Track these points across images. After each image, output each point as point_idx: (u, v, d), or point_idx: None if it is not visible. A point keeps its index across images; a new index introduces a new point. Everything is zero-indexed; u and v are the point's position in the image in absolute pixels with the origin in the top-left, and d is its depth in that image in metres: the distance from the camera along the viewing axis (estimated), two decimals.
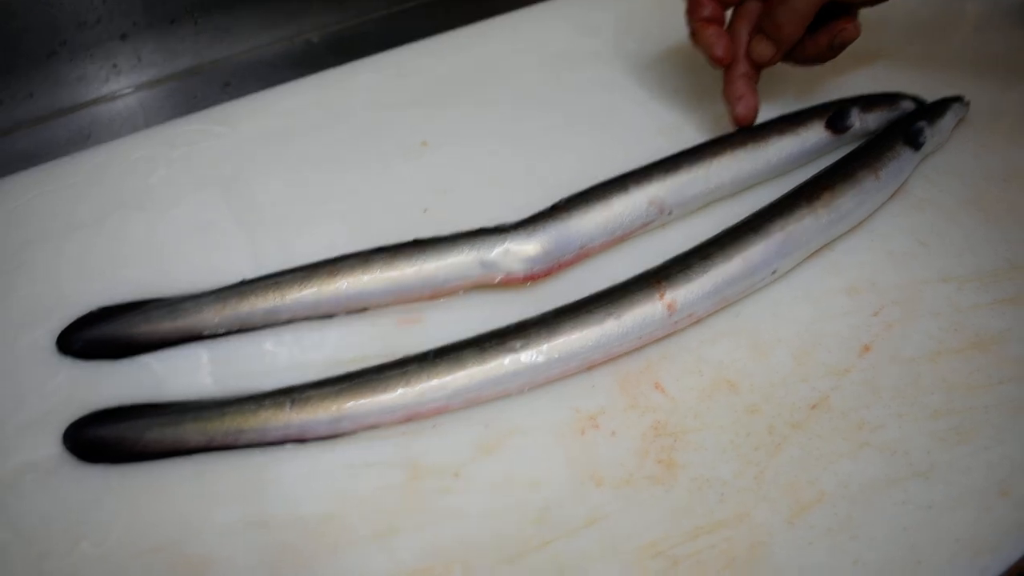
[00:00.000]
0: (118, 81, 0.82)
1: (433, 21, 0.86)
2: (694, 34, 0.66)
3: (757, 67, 0.66)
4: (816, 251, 0.60)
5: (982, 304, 0.58)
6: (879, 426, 0.51)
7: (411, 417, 0.51)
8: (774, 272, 0.57)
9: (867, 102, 0.68)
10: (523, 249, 0.57)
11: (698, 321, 0.56)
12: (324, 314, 0.57)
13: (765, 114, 0.67)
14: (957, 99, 0.70)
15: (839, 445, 0.50)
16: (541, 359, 0.52)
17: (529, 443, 0.51)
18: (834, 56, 0.65)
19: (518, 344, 0.52)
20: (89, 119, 0.79)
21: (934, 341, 0.55)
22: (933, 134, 0.66)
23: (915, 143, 0.64)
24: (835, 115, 0.67)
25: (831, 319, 0.56)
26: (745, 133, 0.65)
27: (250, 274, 0.58)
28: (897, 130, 0.65)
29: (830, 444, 0.50)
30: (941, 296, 0.58)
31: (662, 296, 0.54)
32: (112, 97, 0.81)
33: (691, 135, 0.67)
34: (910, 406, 0.52)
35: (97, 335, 0.56)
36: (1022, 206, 0.64)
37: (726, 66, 0.65)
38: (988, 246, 0.61)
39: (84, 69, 0.78)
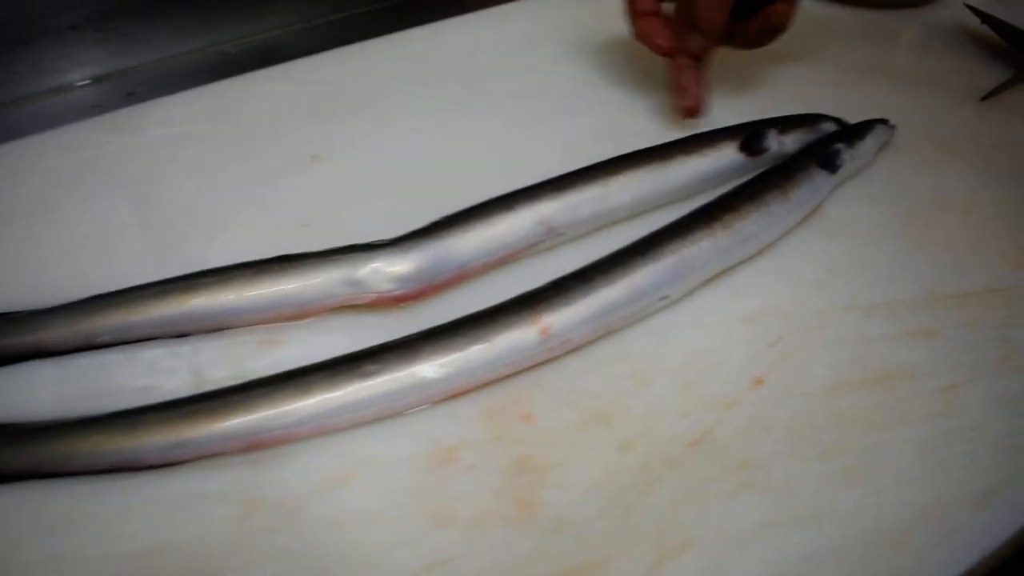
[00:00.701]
0: (20, 87, 0.78)
1: (355, 32, 0.83)
2: (634, 27, 0.66)
3: (695, 58, 0.65)
4: (714, 276, 0.56)
5: (890, 335, 0.54)
6: (763, 465, 0.47)
7: (254, 446, 0.47)
8: (664, 298, 0.53)
9: (786, 123, 0.65)
10: (395, 268, 0.53)
11: (576, 349, 0.51)
12: (179, 333, 0.53)
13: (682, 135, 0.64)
14: (882, 122, 0.66)
15: (717, 485, 0.46)
16: (397, 386, 0.47)
17: (378, 476, 0.46)
18: (769, 41, 0.64)
19: (372, 368, 0.48)
20: None
21: (833, 374, 0.51)
22: (852, 157, 0.63)
23: (831, 166, 0.61)
24: (750, 136, 0.63)
25: (724, 349, 0.52)
26: (650, 152, 0.61)
27: (134, 281, 0.54)
28: (813, 152, 0.62)
29: (707, 484, 0.46)
30: (846, 326, 0.54)
31: (536, 321, 0.50)
32: (13, 103, 0.78)
33: (594, 153, 0.62)
34: (800, 443, 0.48)
35: None
36: (946, 234, 0.61)
37: (671, 57, 0.66)
38: (905, 274, 0.57)
39: None
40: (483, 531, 0.44)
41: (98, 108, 0.77)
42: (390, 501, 0.45)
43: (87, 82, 0.80)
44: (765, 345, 0.53)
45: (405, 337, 0.49)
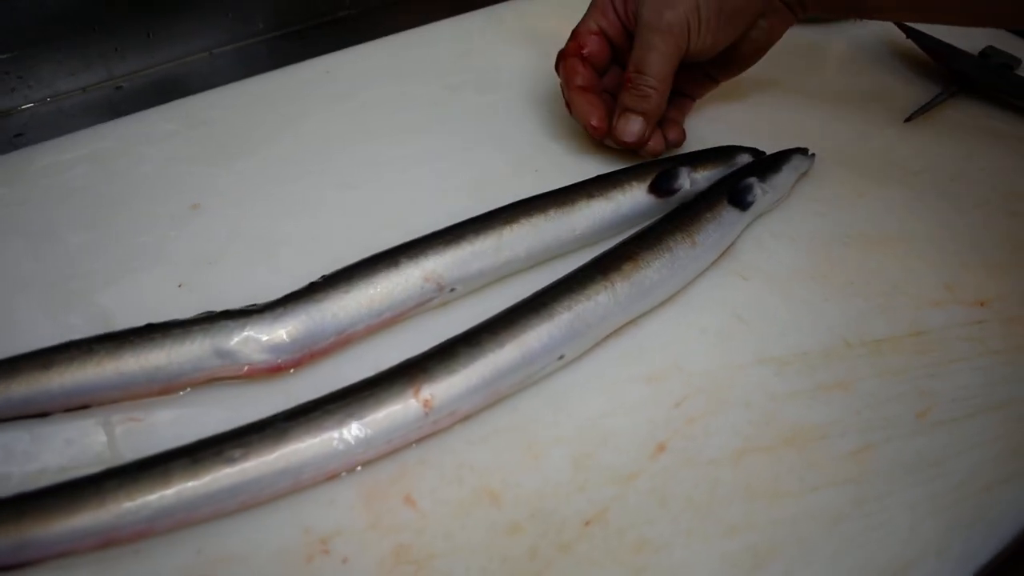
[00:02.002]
0: None
1: (255, 64, 0.79)
2: (569, 104, 0.66)
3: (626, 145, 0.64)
4: (615, 331, 0.52)
5: (803, 391, 0.50)
6: (662, 546, 0.43)
7: (109, 542, 0.43)
8: (560, 358, 0.50)
9: (698, 159, 0.61)
10: (268, 337, 0.49)
11: (465, 418, 0.48)
12: (37, 412, 0.49)
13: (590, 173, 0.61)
14: (801, 151, 0.63)
15: (611, 572, 0.42)
16: (265, 470, 0.44)
17: (244, 573, 0.42)
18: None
19: (237, 453, 0.44)
20: None
21: (740, 438, 0.48)
22: (766, 191, 0.59)
23: (742, 203, 0.57)
24: (660, 176, 0.60)
25: (624, 412, 0.49)
26: (549, 197, 0.57)
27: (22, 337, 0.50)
28: (723, 187, 0.58)
29: (601, 570, 0.42)
30: (755, 382, 0.51)
31: (417, 392, 0.46)
32: None
33: (502, 191, 0.59)
34: (702, 520, 0.44)
35: None
36: (864, 272, 0.58)
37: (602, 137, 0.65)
38: (820, 321, 0.54)
39: None
40: None
41: None
42: None
43: None
44: (669, 406, 0.49)
45: (273, 416, 0.46)
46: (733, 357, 0.52)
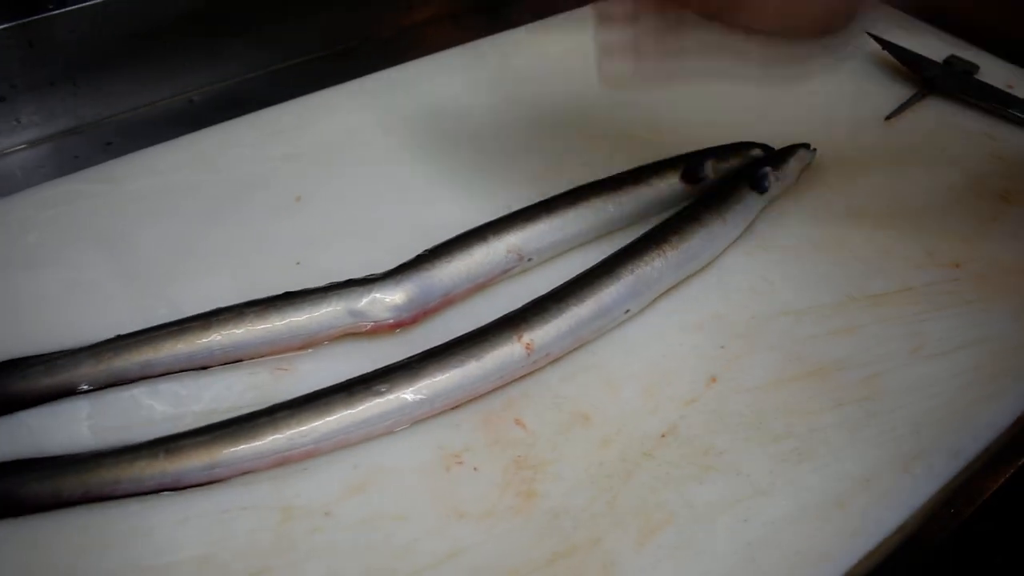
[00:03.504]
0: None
1: (309, 80, 0.90)
2: None
3: None
4: (667, 291, 0.64)
5: (819, 335, 0.62)
6: (724, 451, 0.55)
7: (282, 462, 0.53)
8: (627, 311, 0.61)
9: (720, 153, 0.73)
10: (390, 298, 0.60)
11: (555, 360, 0.59)
12: (199, 366, 0.59)
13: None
14: (804, 146, 0.75)
15: (686, 470, 0.54)
16: (406, 401, 0.55)
17: (396, 481, 0.53)
18: None
19: (383, 388, 0.55)
20: None
21: (775, 370, 0.60)
22: (778, 178, 0.71)
23: (760, 187, 0.69)
24: (690, 167, 0.72)
25: (681, 354, 0.60)
26: (602, 184, 0.69)
27: (129, 329, 0.59)
28: (743, 176, 0.70)
29: (678, 469, 0.54)
30: (781, 329, 0.62)
31: (520, 338, 0.57)
32: None
33: (555, 186, 0.70)
34: (754, 431, 0.56)
35: None
36: (860, 243, 0.70)
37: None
38: (827, 281, 0.66)
39: None
40: (492, 522, 0.51)
41: (77, 159, 0.83)
42: (409, 502, 0.52)
43: (64, 134, 0.85)
44: (715, 348, 0.61)
45: (409, 358, 0.57)
46: (760, 310, 0.64)
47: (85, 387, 0.58)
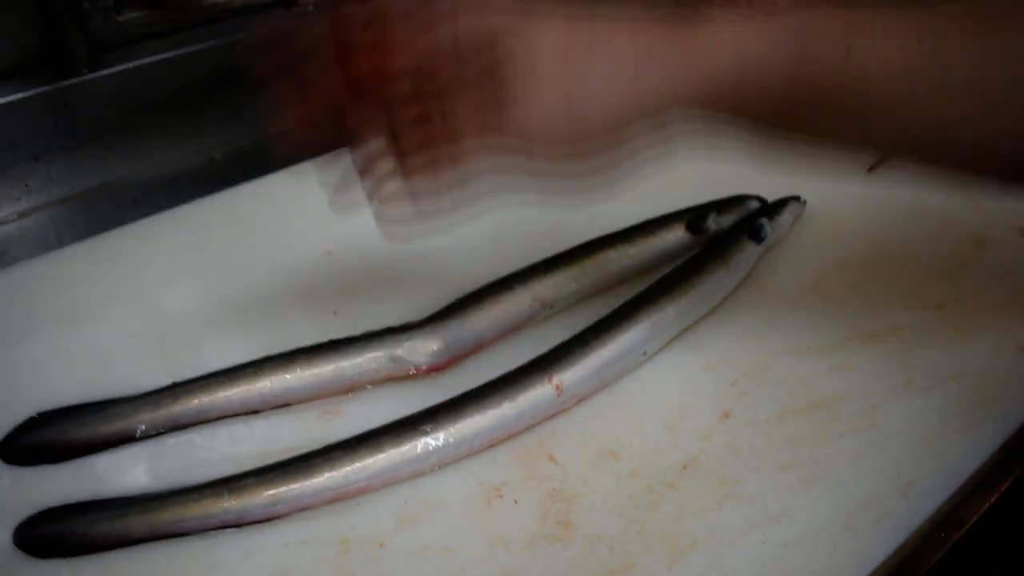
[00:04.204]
0: (29, 200, 0.87)
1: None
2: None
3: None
4: (678, 334, 0.69)
5: (820, 371, 0.68)
6: (739, 480, 0.60)
7: (338, 498, 0.58)
8: (644, 353, 0.67)
9: (721, 206, 0.79)
10: (427, 344, 0.65)
11: (582, 400, 0.64)
12: (251, 410, 0.64)
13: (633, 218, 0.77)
14: (795, 198, 0.81)
15: (706, 499, 0.59)
16: (449, 440, 0.60)
17: (443, 514, 0.58)
18: None
19: (428, 428, 0.60)
20: (3, 236, 0.85)
21: (781, 404, 0.65)
22: (774, 228, 0.77)
23: (757, 237, 0.75)
24: (695, 219, 0.78)
25: (695, 391, 0.66)
26: (616, 236, 0.75)
27: (170, 381, 0.64)
28: (742, 226, 0.76)
29: (699, 499, 0.59)
30: (785, 366, 0.68)
31: (551, 380, 0.62)
32: (24, 215, 0.87)
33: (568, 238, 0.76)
34: (764, 461, 0.61)
35: (36, 441, 0.61)
36: (853, 288, 0.76)
37: None
38: (823, 323, 0.72)
39: None
40: (534, 549, 0.56)
41: (106, 216, 0.87)
42: (456, 533, 0.57)
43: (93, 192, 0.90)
44: (727, 385, 0.67)
45: (450, 400, 0.62)
46: (765, 349, 0.70)
47: (144, 432, 0.62)
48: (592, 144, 0.51)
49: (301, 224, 0.80)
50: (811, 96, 0.50)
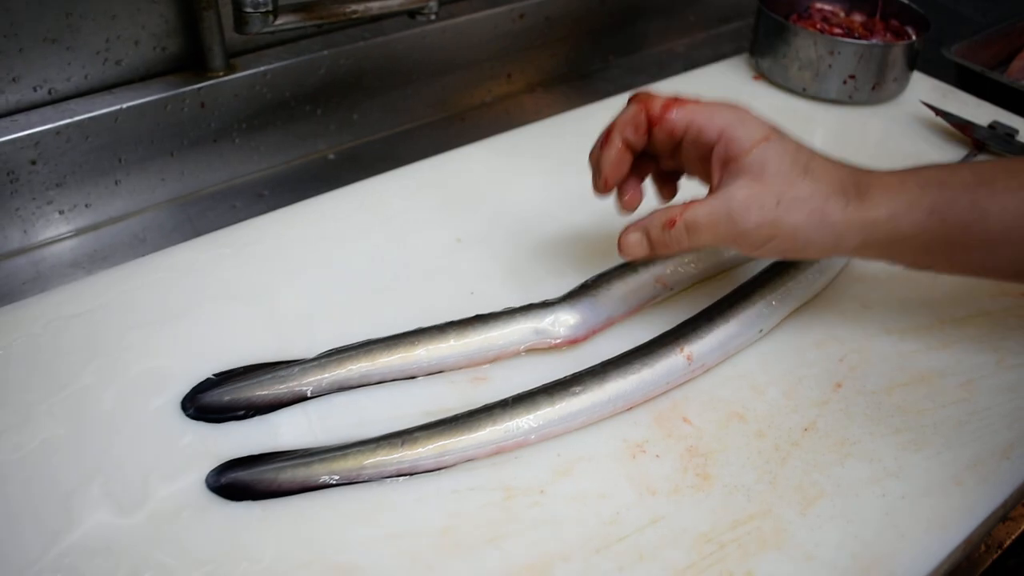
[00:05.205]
0: (164, 191, 0.95)
1: (427, 140, 1.04)
2: (601, 155, 0.70)
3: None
4: (789, 314, 0.76)
5: (919, 350, 0.75)
6: (856, 441, 0.67)
7: (499, 451, 0.65)
8: (760, 331, 0.73)
9: None
10: (567, 318, 0.72)
11: (708, 369, 0.71)
12: (408, 376, 0.70)
13: None
14: None
15: (829, 456, 0.66)
16: (596, 400, 0.66)
17: (594, 467, 0.64)
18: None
19: (577, 389, 0.66)
20: (140, 226, 0.92)
21: (886, 378, 0.72)
22: None
23: None
24: None
25: (808, 364, 0.73)
26: None
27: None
28: None
29: (822, 456, 0.66)
30: (887, 345, 0.75)
31: (682, 350, 0.69)
32: (159, 206, 0.94)
33: None
34: (877, 426, 0.68)
35: (215, 399, 0.68)
36: (941, 277, 0.82)
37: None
38: (919, 308, 0.79)
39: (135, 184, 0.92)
40: (680, 497, 0.63)
41: (235, 209, 0.95)
42: (609, 482, 0.63)
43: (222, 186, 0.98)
44: (836, 361, 0.73)
45: (595, 366, 0.68)
46: (867, 330, 0.76)
47: (312, 393, 0.68)
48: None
49: (428, 216, 0.87)
50: (946, 243, 0.65)
